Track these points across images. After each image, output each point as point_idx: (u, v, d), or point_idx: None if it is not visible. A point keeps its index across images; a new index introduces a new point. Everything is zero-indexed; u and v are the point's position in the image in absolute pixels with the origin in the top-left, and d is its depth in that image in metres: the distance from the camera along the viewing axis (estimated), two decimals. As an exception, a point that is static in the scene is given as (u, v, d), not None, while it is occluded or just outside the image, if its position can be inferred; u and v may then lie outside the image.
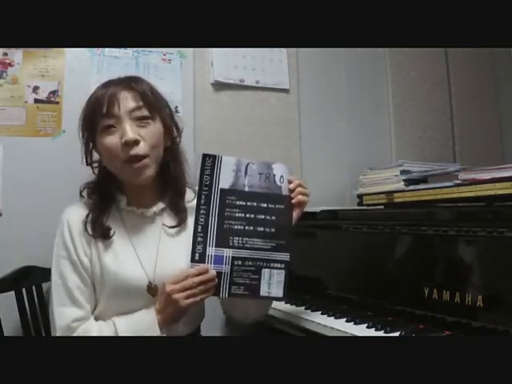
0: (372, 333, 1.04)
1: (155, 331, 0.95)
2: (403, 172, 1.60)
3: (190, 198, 1.09)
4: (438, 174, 1.50)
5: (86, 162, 1.07)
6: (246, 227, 0.99)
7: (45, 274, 1.39)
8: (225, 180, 0.98)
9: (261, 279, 0.98)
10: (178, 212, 1.08)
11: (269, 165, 1.02)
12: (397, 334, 1.02)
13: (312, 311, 1.25)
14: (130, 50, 1.66)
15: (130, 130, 0.98)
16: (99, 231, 1.01)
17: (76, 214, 1.03)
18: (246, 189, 0.99)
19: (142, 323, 0.96)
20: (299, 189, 1.04)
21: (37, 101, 1.54)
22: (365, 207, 1.74)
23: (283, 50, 1.87)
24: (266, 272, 0.99)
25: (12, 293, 1.32)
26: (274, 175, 1.02)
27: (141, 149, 0.98)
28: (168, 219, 1.08)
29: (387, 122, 2.06)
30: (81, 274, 0.99)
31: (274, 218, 1.00)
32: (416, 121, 2.09)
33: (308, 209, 1.08)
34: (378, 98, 2.05)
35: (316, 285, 1.44)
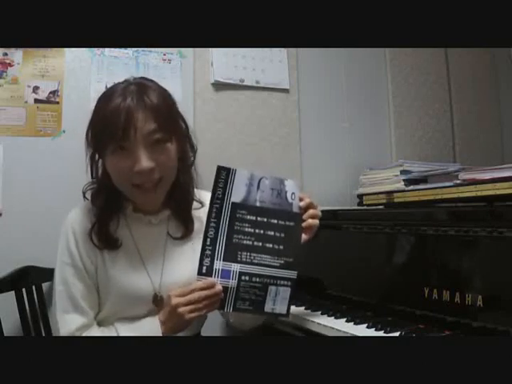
0: (372, 333, 1.04)
1: None
2: (403, 172, 1.61)
3: (195, 207, 1.07)
4: (438, 174, 1.50)
5: (92, 175, 1.02)
6: (255, 243, 0.96)
7: (45, 274, 1.39)
8: (237, 194, 0.95)
9: (267, 296, 0.97)
10: (184, 221, 1.05)
11: (281, 181, 0.99)
12: (397, 334, 1.02)
13: (312, 311, 1.25)
14: (130, 50, 1.66)
15: (145, 159, 0.91)
16: (106, 242, 0.98)
17: (81, 220, 0.99)
18: (258, 204, 0.96)
19: (145, 332, 0.95)
20: (311, 211, 1.01)
21: (37, 101, 1.54)
22: (365, 207, 1.74)
23: (283, 49, 1.87)
24: (272, 289, 0.97)
25: (12, 293, 1.32)
26: (286, 192, 0.99)
27: (155, 174, 0.94)
28: (173, 227, 1.05)
29: (387, 122, 2.06)
30: (85, 280, 0.97)
31: (283, 234, 0.98)
32: (416, 121, 2.09)
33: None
34: (378, 98, 2.06)
35: (316, 285, 1.44)
